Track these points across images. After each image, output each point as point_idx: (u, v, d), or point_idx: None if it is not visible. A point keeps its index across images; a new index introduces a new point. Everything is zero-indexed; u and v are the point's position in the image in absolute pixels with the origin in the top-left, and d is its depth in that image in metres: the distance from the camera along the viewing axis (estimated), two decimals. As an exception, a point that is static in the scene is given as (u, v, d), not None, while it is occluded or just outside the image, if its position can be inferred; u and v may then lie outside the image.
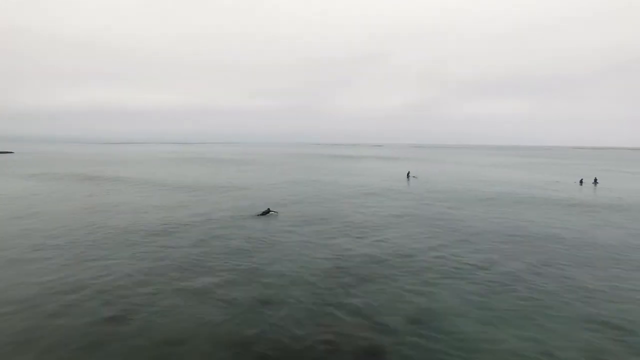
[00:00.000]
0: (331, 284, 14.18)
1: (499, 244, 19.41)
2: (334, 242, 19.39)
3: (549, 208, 29.02)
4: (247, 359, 9.61)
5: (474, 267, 15.84)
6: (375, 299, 12.92)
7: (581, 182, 45.25)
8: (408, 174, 54.46)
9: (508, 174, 60.21)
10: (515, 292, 13.47)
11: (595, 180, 45.78)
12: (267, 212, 26.09)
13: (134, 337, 10.41)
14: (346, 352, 9.83)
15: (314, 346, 10.07)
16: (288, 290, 13.56)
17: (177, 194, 35.48)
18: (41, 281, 14.13)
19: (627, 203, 31.78)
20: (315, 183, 44.19)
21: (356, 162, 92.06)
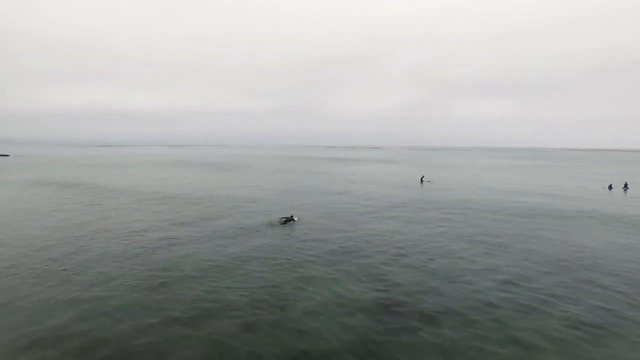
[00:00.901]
0: (387, 327, 10.91)
1: (579, 273, 16.21)
2: (373, 270, 16.04)
3: (606, 225, 24.21)
4: None
5: (559, 302, 12.65)
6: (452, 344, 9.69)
7: (610, 187, 42.03)
8: (422, 178, 52.15)
9: (522, 178, 57.13)
10: None
11: (626, 185, 42.67)
12: (291, 219, 23.99)
13: None
14: None
15: None
16: (330, 340, 10.28)
17: (167, 204, 32.00)
18: None
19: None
20: (326, 194, 40.82)
21: (360, 166, 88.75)
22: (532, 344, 10.19)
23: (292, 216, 24.43)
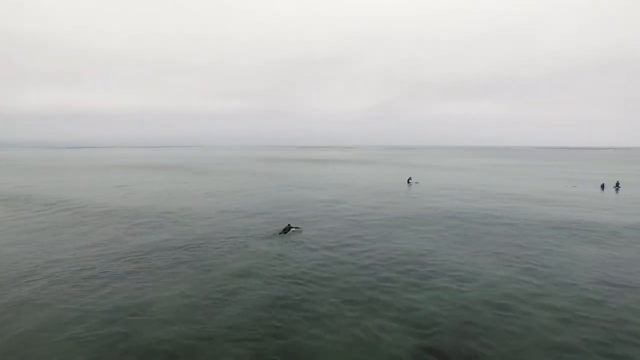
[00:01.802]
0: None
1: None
2: (399, 300, 12.80)
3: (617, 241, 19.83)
4: None
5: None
6: None
7: (603, 187, 40.87)
8: (409, 180, 49.69)
9: (509, 180, 55.72)
10: None
11: (617, 184, 41.72)
12: (288, 229, 21.14)
13: None
14: None
15: None
16: None
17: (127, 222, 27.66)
18: None
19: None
20: (317, 200, 37.43)
21: (346, 168, 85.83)
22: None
23: (289, 225, 21.64)
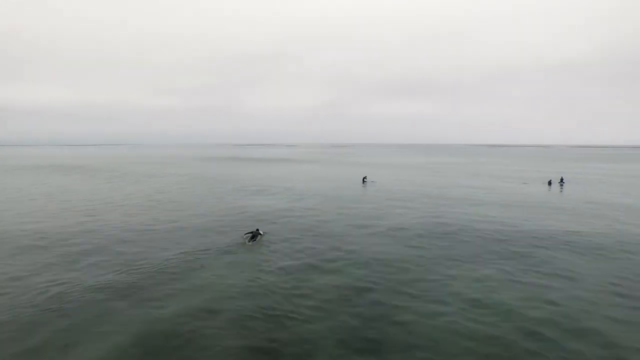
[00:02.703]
0: None
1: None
2: (408, 334, 10.07)
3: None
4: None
5: None
6: None
7: (550, 183, 42.57)
8: (364, 178, 48.03)
9: (461, 178, 56.99)
10: None
11: (562, 180, 43.86)
12: (257, 234, 18.35)
13: None
14: None
15: None
16: None
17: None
18: None
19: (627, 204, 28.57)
20: (278, 202, 33.88)
21: (292, 166, 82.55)
22: None
23: (257, 230, 18.89)
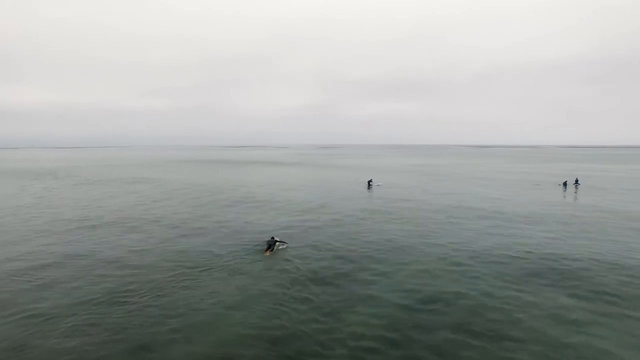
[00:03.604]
0: None
1: None
2: None
3: None
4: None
5: None
6: None
7: (565, 185, 40.59)
8: (369, 182, 45.26)
9: (470, 185, 54.87)
10: None
11: (577, 181, 42.07)
12: (273, 243, 16.88)
13: None
14: None
15: None
16: None
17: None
18: None
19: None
20: (288, 211, 31.14)
21: (291, 170, 79.51)
22: None
23: (272, 237, 17.52)
